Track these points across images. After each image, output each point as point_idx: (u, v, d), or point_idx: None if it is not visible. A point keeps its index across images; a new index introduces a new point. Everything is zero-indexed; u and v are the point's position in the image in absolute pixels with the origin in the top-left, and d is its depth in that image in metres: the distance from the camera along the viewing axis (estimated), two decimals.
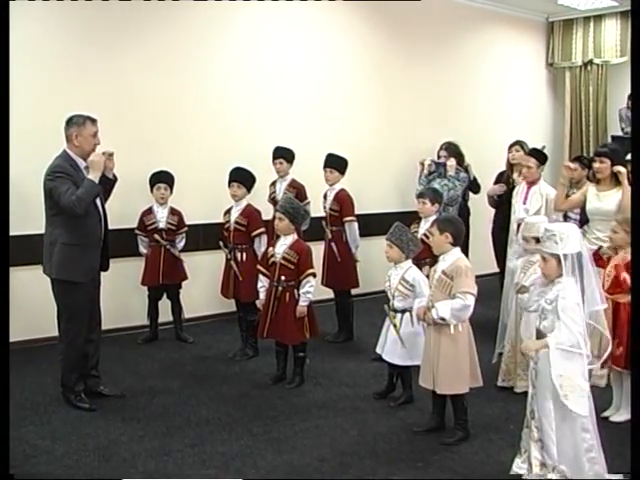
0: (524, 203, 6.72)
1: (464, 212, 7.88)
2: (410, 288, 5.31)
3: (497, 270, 7.85)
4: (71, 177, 5.14)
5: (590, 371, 5.01)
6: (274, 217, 6.02)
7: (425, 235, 6.13)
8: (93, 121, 5.30)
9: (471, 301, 4.67)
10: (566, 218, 6.79)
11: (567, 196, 6.53)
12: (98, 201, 5.34)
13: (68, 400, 5.41)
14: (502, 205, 7.62)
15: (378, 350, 5.58)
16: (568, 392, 3.89)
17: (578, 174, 6.93)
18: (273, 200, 7.47)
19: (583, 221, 6.36)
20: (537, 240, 5.38)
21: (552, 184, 7.05)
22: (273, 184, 7.65)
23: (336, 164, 7.20)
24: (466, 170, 7.96)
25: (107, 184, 5.49)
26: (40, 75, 6.79)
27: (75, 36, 6.99)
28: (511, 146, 7.94)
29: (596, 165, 6.21)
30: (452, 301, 4.66)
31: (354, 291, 7.43)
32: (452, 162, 7.56)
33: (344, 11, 8.94)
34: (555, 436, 3.96)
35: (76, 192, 5.04)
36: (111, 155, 5.43)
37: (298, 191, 7.35)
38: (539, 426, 4.03)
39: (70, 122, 5.27)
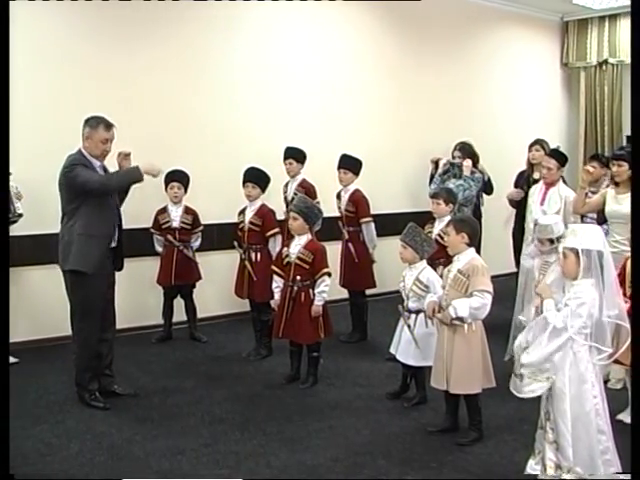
0: (541, 204, 6.66)
1: (477, 214, 7.85)
2: (425, 289, 5.28)
3: (512, 270, 7.81)
4: (87, 168, 5.19)
5: (607, 373, 4.96)
6: (287, 217, 6.01)
7: (439, 235, 6.12)
8: (108, 126, 5.27)
9: (489, 300, 4.66)
10: (583, 219, 6.73)
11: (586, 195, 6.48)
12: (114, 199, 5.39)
13: (82, 399, 5.43)
14: (522, 206, 7.56)
15: (392, 350, 5.56)
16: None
17: (596, 173, 6.87)
18: (286, 200, 7.47)
19: (600, 221, 6.32)
20: (551, 242, 5.36)
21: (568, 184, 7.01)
22: (286, 185, 7.65)
23: (350, 165, 7.18)
24: (480, 171, 7.94)
25: None
26: (54, 76, 6.82)
27: (91, 37, 7.00)
28: (531, 145, 7.89)
29: (614, 169, 6.18)
30: (470, 299, 4.64)
31: (368, 291, 7.42)
32: (468, 163, 7.54)
33: (357, 11, 8.94)
34: (571, 437, 3.95)
35: (109, 174, 5.22)
36: (127, 155, 5.45)
37: (307, 191, 7.30)
38: (554, 427, 4.01)
39: (86, 123, 5.30)
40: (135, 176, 5.25)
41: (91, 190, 5.14)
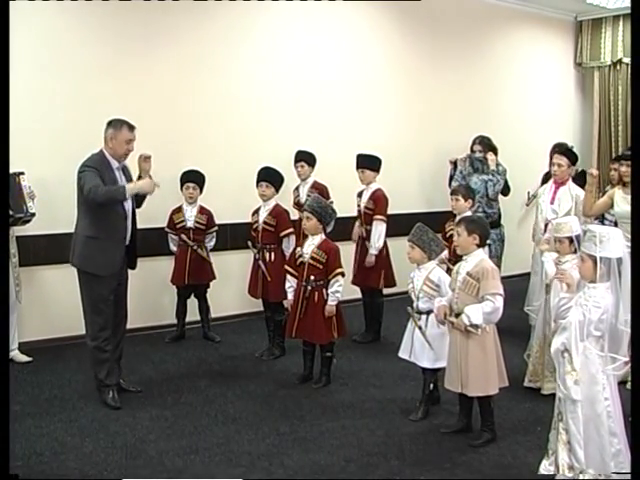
0: (551, 203, 6.61)
1: (498, 214, 7.83)
2: (436, 289, 5.15)
3: (527, 270, 7.75)
4: (100, 172, 5.25)
5: (626, 374, 4.94)
6: (300, 219, 6.00)
7: None
8: (131, 127, 5.41)
9: (500, 302, 4.62)
10: (603, 220, 6.67)
11: (604, 193, 6.43)
12: (129, 200, 5.43)
13: (101, 394, 5.45)
14: None
15: (401, 354, 5.39)
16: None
17: (618, 176, 6.81)
18: (297, 204, 7.44)
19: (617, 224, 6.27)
20: (570, 240, 5.23)
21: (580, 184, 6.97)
22: (297, 189, 7.61)
23: (366, 163, 7.11)
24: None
25: None
26: (69, 77, 6.83)
27: (106, 38, 7.01)
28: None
29: (623, 169, 6.13)
30: (482, 305, 4.61)
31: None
32: (493, 156, 7.50)
33: (371, 11, 8.92)
34: (582, 439, 3.93)
35: (102, 186, 5.17)
36: (148, 158, 5.53)
37: (321, 192, 7.23)
38: (567, 428, 4.00)
39: (109, 125, 5.42)
40: (119, 195, 5.27)
41: (85, 197, 5.21)
